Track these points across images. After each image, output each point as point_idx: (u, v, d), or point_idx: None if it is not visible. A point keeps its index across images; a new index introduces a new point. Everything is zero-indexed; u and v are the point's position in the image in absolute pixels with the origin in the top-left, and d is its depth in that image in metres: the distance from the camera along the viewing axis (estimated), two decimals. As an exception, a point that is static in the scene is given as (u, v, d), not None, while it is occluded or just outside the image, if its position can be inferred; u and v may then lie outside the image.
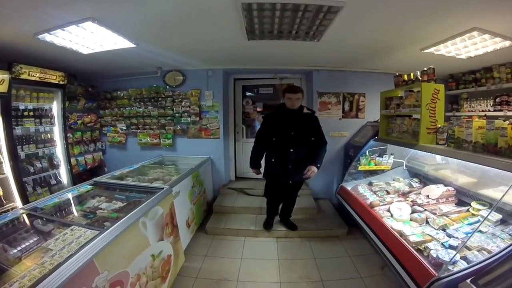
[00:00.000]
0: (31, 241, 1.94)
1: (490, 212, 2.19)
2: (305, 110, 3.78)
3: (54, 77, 4.27)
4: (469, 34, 3.17)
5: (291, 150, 3.67)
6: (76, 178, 4.79)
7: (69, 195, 2.84)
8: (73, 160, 4.90)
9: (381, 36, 3.43)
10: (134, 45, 3.60)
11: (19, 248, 1.86)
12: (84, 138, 5.32)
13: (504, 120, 2.26)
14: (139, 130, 5.67)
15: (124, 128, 5.71)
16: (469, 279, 1.66)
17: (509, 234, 2.16)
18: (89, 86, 5.41)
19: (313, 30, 3.20)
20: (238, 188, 5.63)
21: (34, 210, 2.40)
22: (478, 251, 2.06)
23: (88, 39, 3.32)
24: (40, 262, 1.61)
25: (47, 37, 3.17)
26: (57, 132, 4.58)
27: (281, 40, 3.59)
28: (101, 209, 2.61)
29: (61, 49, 3.57)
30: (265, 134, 3.82)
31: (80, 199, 2.85)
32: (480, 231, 2.28)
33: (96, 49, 3.74)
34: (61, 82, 4.40)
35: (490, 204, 2.49)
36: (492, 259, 1.82)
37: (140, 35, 3.35)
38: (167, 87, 5.51)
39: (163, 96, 5.52)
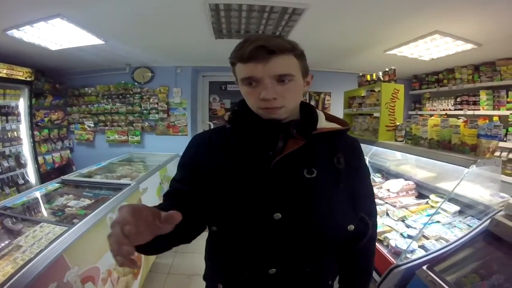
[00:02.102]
0: (2, 239, 1.92)
1: (443, 202, 2.34)
2: (323, 124, 1.11)
3: (21, 73, 4.15)
4: (431, 37, 3.34)
5: (271, 271, 0.99)
6: (44, 177, 4.66)
7: (37, 194, 2.79)
8: (40, 159, 4.78)
9: (346, 38, 3.57)
10: (103, 42, 3.57)
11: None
12: (51, 136, 5.20)
13: (458, 119, 2.43)
14: (107, 127, 5.59)
15: (92, 125, 5.60)
16: (425, 266, 1.76)
17: (467, 224, 2.30)
18: (56, 82, 5.26)
19: (279, 30, 3.30)
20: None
21: (4, 209, 2.36)
22: (436, 240, 2.19)
23: (56, 35, 3.27)
24: (12, 258, 1.63)
25: (16, 33, 3.12)
26: (24, 130, 4.46)
27: (249, 40, 3.61)
28: (69, 206, 2.58)
29: (29, 45, 3.50)
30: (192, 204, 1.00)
31: (48, 198, 2.81)
32: (439, 222, 2.43)
33: (64, 45, 3.68)
34: (28, 79, 4.28)
35: (449, 196, 2.65)
36: (448, 247, 1.95)
37: (109, 32, 3.34)
38: (136, 83, 5.46)
39: (131, 92, 5.46)
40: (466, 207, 2.49)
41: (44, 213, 2.49)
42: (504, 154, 4.05)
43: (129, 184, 3.03)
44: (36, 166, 4.59)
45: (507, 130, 4.04)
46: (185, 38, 3.66)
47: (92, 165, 4.06)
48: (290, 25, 3.12)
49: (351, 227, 1.03)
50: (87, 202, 2.72)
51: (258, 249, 0.98)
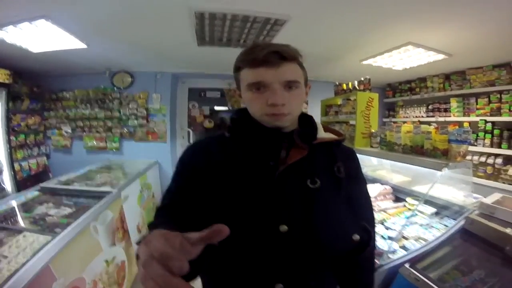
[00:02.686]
0: None
1: (418, 204, 2.44)
2: (322, 134, 1.12)
3: None
4: (404, 48, 3.48)
5: (278, 286, 0.91)
6: (20, 184, 4.50)
7: (17, 202, 2.75)
8: (16, 165, 4.58)
9: (323, 48, 3.68)
10: (86, 46, 3.54)
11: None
12: (27, 141, 4.99)
13: (429, 125, 2.56)
14: (85, 133, 5.45)
15: (69, 131, 5.45)
16: (408, 264, 1.84)
17: (443, 224, 2.39)
18: (34, 85, 5.07)
19: (261, 39, 3.36)
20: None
21: (-18, 218, 2.31)
22: (416, 240, 2.27)
23: (39, 37, 3.20)
24: (-3, 269, 1.60)
25: None
26: (0, 135, 4.30)
27: (230, 48, 3.68)
28: (50, 215, 2.55)
29: (9, 46, 3.40)
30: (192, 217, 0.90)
31: (28, 206, 2.76)
32: (416, 223, 2.52)
33: (46, 48, 3.60)
34: (6, 81, 4.11)
35: (424, 199, 2.77)
36: (428, 246, 2.04)
37: (92, 34, 3.29)
38: (115, 88, 5.36)
39: (111, 97, 5.36)
40: (442, 208, 2.59)
41: (25, 221, 2.44)
42: (476, 157, 4.25)
43: (111, 192, 3.02)
44: (13, 173, 4.43)
45: (477, 135, 4.24)
46: (168, 43, 3.67)
47: (70, 173, 3.98)
48: (271, 35, 3.20)
49: (356, 236, 0.99)
50: (68, 210, 2.68)
51: (264, 264, 0.92)
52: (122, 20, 2.92)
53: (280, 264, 0.92)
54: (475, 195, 2.43)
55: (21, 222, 2.43)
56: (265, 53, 0.92)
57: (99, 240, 2.49)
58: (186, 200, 0.96)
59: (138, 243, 0.63)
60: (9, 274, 1.52)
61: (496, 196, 2.20)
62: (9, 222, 2.37)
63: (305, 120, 1.12)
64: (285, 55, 0.94)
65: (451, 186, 2.52)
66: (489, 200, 2.10)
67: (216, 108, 6.00)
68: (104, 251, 2.53)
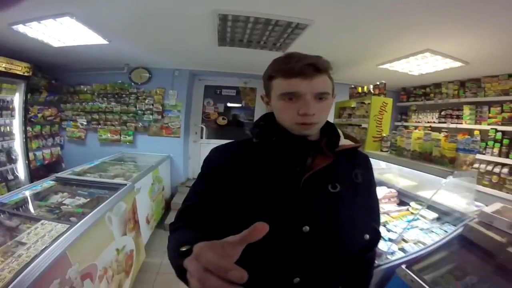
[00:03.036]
0: (4, 236, 1.97)
1: (421, 209, 2.49)
2: (342, 141, 1.16)
3: (19, 68, 4.11)
4: (422, 55, 3.51)
5: (296, 280, 0.99)
6: (34, 173, 4.63)
7: (32, 191, 2.84)
8: (30, 155, 4.71)
9: (342, 53, 3.73)
10: (107, 42, 3.65)
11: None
12: (43, 132, 5.15)
13: (440, 132, 2.59)
14: (99, 126, 5.60)
15: (85, 123, 5.60)
16: (404, 265, 1.90)
17: (443, 230, 2.43)
18: (53, 78, 5.24)
19: (280, 42, 3.44)
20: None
21: (0, 205, 2.40)
22: (415, 243, 2.32)
23: (62, 33, 3.31)
24: (17, 255, 1.68)
25: (21, 28, 3.13)
26: (16, 125, 4.42)
27: (250, 49, 3.76)
28: (65, 204, 2.65)
29: (31, 40, 3.51)
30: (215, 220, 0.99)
31: (43, 195, 2.87)
32: (417, 227, 2.56)
33: (67, 43, 3.72)
34: (25, 74, 4.24)
35: (428, 204, 2.81)
36: (426, 250, 2.10)
37: (114, 32, 3.40)
38: (132, 84, 5.52)
39: (128, 92, 5.51)
40: (444, 214, 2.62)
41: (41, 210, 2.53)
42: (483, 166, 4.25)
43: (125, 184, 3.13)
44: (27, 162, 4.54)
45: (486, 144, 4.23)
46: (189, 42, 3.74)
47: (84, 164, 4.09)
48: (291, 38, 3.27)
49: (367, 236, 1.07)
50: (82, 200, 2.79)
51: (285, 260, 0.99)
52: (145, 21, 3.02)
53: (300, 261, 0.99)
54: (477, 203, 2.46)
55: (38, 211, 2.52)
56: (301, 65, 0.96)
57: (112, 230, 2.60)
58: (211, 202, 1.01)
59: (181, 255, 0.63)
60: (28, 260, 1.61)
61: (497, 205, 2.23)
62: (25, 210, 2.49)
63: (328, 128, 1.17)
64: (319, 68, 0.98)
65: (455, 193, 2.55)
66: (489, 209, 2.14)
67: (230, 105, 6.09)
68: (116, 240, 2.64)
